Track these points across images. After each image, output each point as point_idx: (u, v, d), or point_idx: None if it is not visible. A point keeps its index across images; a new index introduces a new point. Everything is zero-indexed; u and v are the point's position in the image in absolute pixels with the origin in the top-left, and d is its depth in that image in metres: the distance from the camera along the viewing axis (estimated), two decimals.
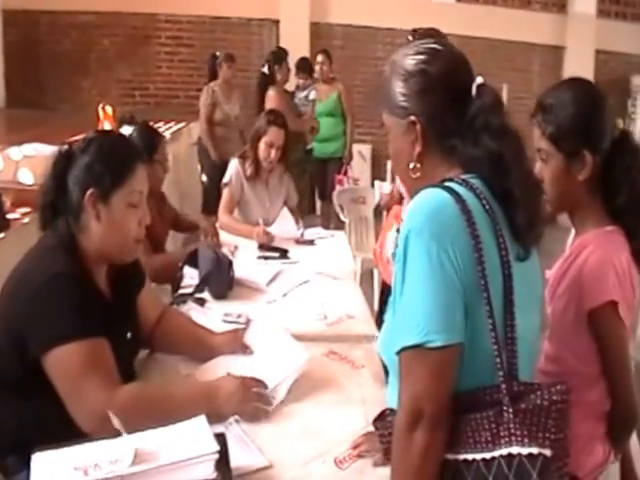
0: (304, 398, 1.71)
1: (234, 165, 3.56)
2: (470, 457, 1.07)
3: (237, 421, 1.56)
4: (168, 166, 3.02)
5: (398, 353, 1.08)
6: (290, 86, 5.96)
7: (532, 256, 1.19)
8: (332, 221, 5.76)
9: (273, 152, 3.50)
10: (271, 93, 5.48)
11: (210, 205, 6.14)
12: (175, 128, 6.10)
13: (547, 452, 1.03)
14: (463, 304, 1.05)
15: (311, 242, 3.48)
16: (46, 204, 1.64)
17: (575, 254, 1.46)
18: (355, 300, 2.58)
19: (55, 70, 7.04)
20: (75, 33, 7.14)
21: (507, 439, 1.04)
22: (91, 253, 1.62)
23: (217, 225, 3.37)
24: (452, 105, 1.16)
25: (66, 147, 1.64)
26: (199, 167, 6.10)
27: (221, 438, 1.33)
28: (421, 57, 1.18)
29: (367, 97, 5.92)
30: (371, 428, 1.57)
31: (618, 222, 1.46)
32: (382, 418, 1.20)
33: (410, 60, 1.19)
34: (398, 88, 1.19)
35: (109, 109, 4.07)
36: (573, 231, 1.56)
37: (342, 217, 5.16)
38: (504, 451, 1.03)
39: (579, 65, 8.20)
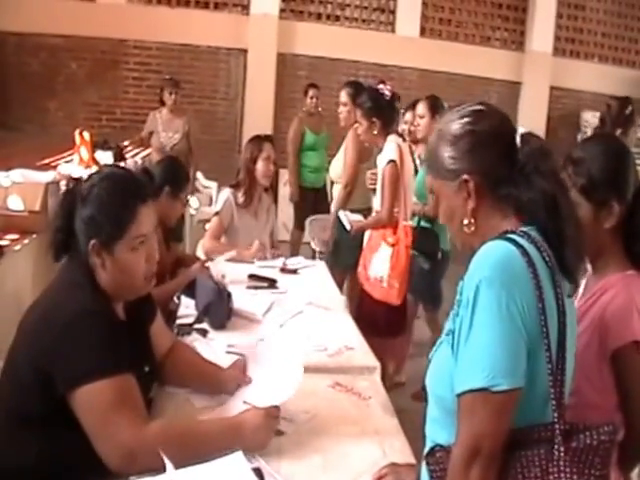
0: (320, 431, 1.72)
1: (226, 193, 3.58)
2: None
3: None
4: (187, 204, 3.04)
5: (461, 394, 1.12)
6: None
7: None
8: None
9: (271, 166, 3.56)
10: None
11: None
12: (144, 153, 6.07)
13: None
14: (527, 350, 1.11)
15: (294, 271, 3.51)
16: (57, 240, 1.64)
17: (597, 295, 1.52)
18: (350, 331, 2.60)
19: (22, 91, 6.93)
20: (43, 55, 7.06)
21: (556, 475, 1.08)
22: (108, 288, 1.62)
23: (202, 252, 3.38)
24: (501, 156, 1.22)
25: (70, 187, 1.65)
26: None
27: (258, 473, 1.34)
28: (466, 119, 1.24)
29: (328, 127, 6.00)
30: (391, 459, 1.61)
31: (638, 266, 1.54)
32: (432, 454, 1.23)
33: (456, 125, 1.24)
34: (446, 153, 1.25)
35: (86, 135, 4.02)
36: (587, 268, 1.63)
37: (313, 245, 5.22)
38: None
39: (534, 100, 8.56)
